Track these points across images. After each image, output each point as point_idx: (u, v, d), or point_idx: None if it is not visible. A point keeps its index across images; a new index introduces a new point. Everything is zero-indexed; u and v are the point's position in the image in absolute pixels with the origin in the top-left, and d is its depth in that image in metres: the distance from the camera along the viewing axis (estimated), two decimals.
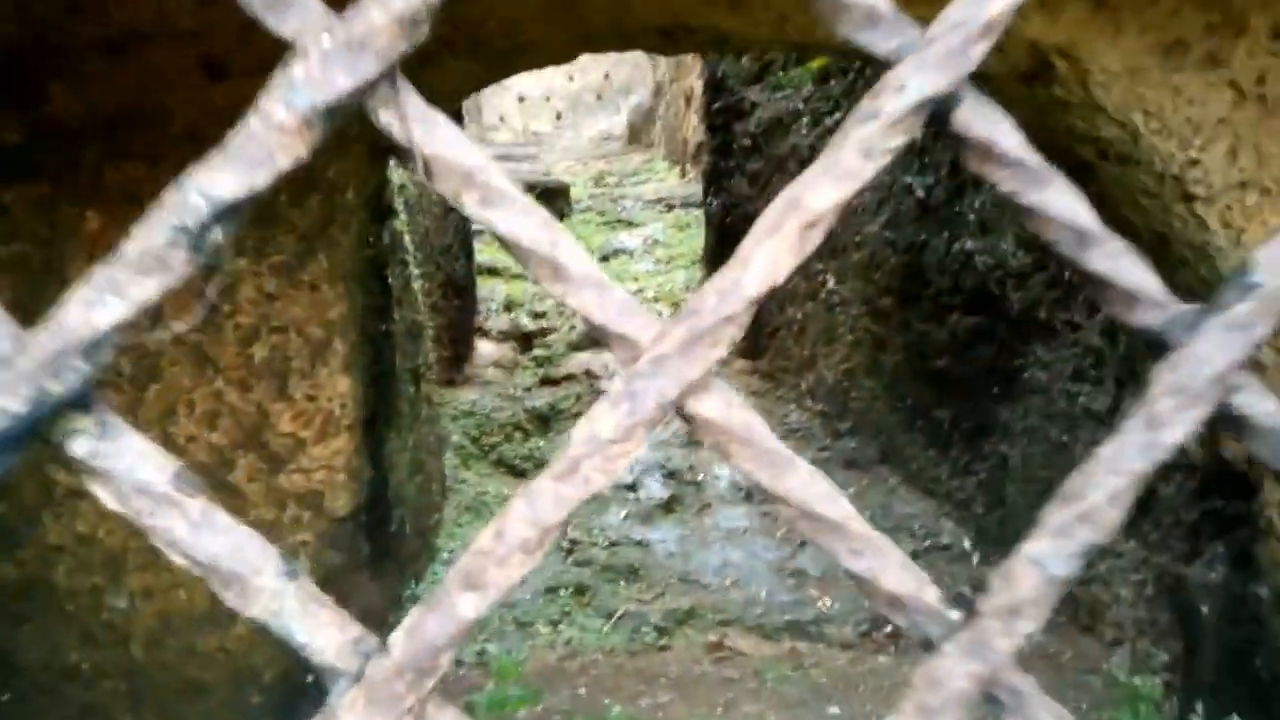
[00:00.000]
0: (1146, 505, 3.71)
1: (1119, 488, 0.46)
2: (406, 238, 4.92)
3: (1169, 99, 2.06)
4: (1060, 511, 0.46)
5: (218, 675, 2.17)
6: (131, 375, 1.99)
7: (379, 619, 3.95)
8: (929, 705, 0.46)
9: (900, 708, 0.46)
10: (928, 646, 0.48)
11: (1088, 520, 0.46)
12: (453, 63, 2.03)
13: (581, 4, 1.90)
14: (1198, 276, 2.27)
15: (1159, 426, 0.47)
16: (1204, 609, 2.56)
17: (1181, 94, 2.05)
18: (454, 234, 6.67)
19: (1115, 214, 2.37)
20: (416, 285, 5.14)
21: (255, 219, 2.00)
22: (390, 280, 4.23)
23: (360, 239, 2.41)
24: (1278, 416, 0.48)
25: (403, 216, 4.84)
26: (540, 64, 2.49)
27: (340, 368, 2.08)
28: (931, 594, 0.48)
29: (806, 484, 0.47)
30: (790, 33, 2.06)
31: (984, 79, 2.39)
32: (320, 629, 0.44)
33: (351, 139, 2.02)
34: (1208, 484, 3.23)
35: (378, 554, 3.94)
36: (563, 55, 2.32)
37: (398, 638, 0.43)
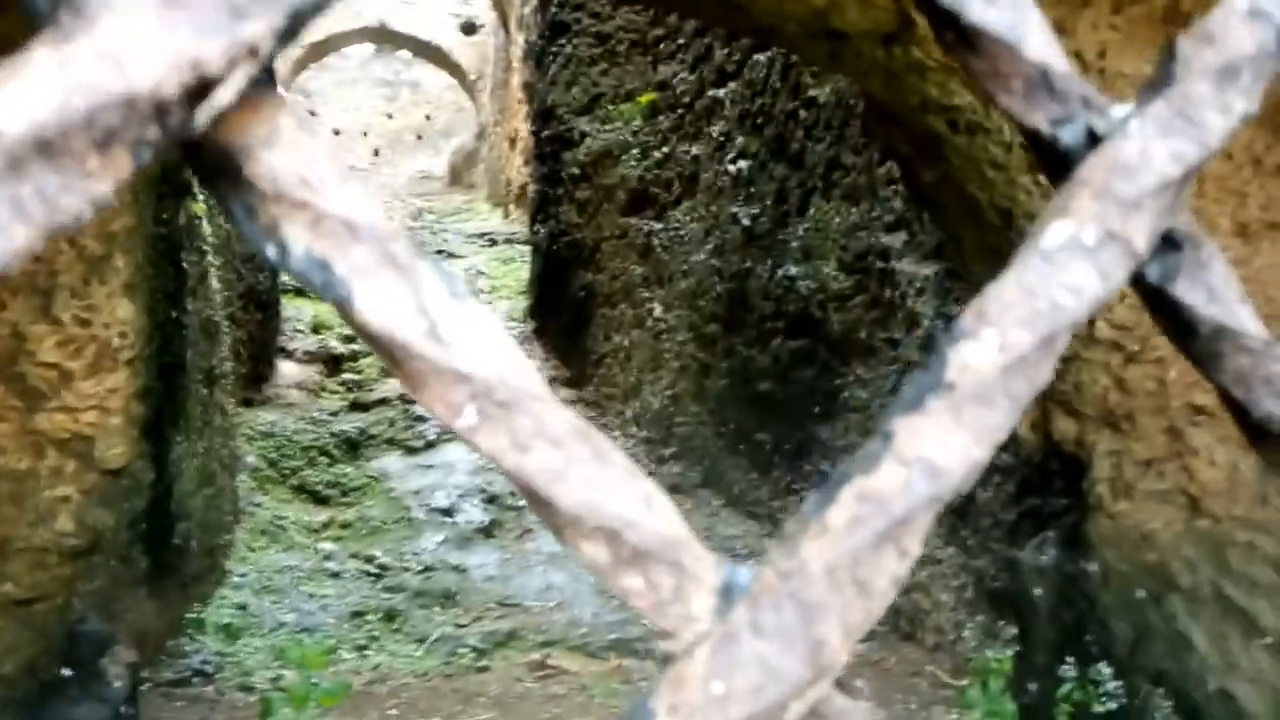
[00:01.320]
0: (964, 510, 3.80)
1: None
2: (207, 228, 4.46)
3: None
4: None
5: None
6: None
7: (156, 643, 3.42)
8: (1122, 197, 0.29)
9: (1065, 208, 0.30)
10: (1063, 159, 0.32)
11: None
12: None
13: None
14: None
15: None
16: (1037, 591, 2.59)
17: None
18: None
19: (961, 192, 2.39)
20: (215, 286, 4.66)
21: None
22: (185, 266, 3.79)
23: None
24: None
25: (203, 206, 4.38)
26: None
27: (121, 289, 1.72)
28: (1082, 81, 0.32)
29: None
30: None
31: (842, 38, 2.37)
32: None
33: None
34: (1027, 479, 3.33)
35: (158, 570, 3.44)
36: None
37: None
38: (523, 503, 5.66)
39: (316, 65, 15.87)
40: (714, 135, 6.05)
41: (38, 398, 1.73)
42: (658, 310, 6.51)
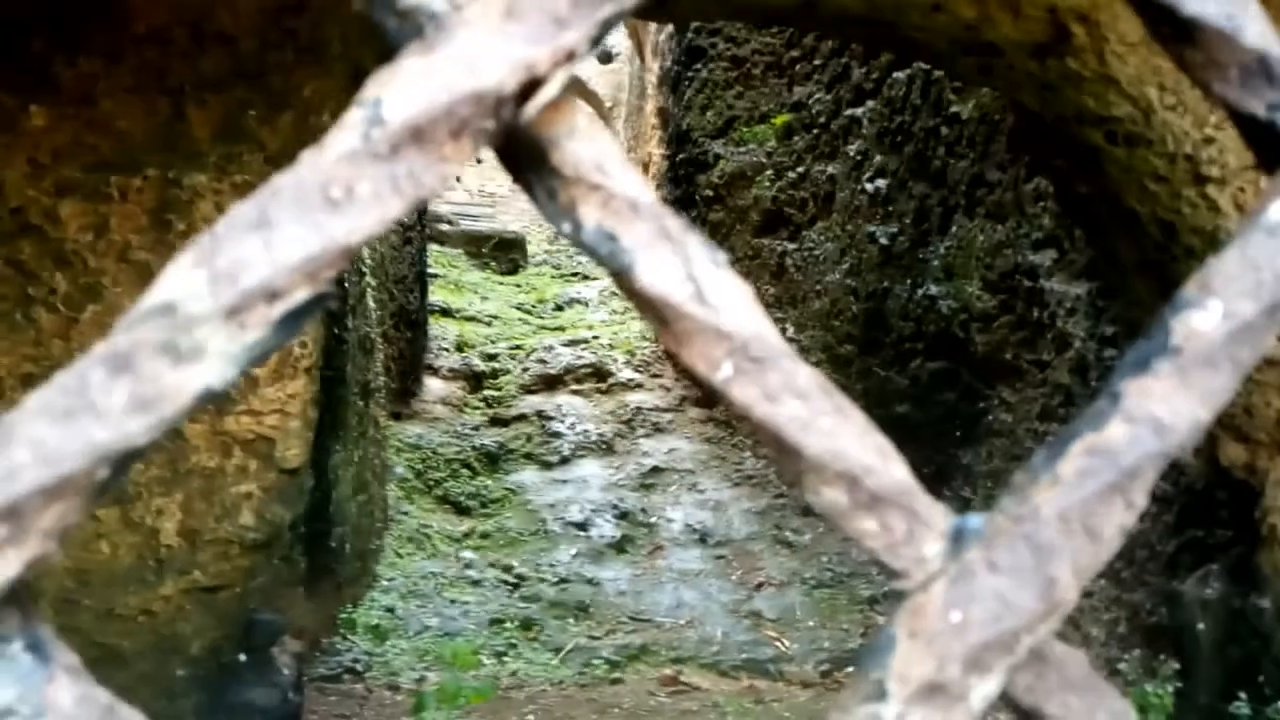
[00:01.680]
0: None
1: None
2: (365, 251, 4.73)
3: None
4: None
5: (138, 643, 1.89)
6: (66, 294, 1.76)
7: (312, 640, 3.63)
8: None
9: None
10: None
11: None
12: None
13: None
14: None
15: None
16: (1200, 626, 2.44)
17: None
18: (409, 265, 6.49)
19: (1119, 205, 2.32)
20: (370, 305, 4.93)
21: (220, 133, 1.82)
22: (346, 285, 4.03)
23: None
24: None
25: None
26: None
27: None
28: None
29: None
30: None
31: (993, 52, 2.34)
32: None
33: (333, 56, 1.86)
34: (1188, 509, 3.15)
35: (315, 570, 3.65)
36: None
37: None
38: (653, 519, 5.72)
39: None
40: (851, 154, 6.00)
41: (227, 401, 1.90)
42: (790, 331, 6.48)
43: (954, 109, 4.91)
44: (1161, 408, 0.29)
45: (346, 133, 0.24)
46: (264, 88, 1.80)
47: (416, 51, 0.25)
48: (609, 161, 0.28)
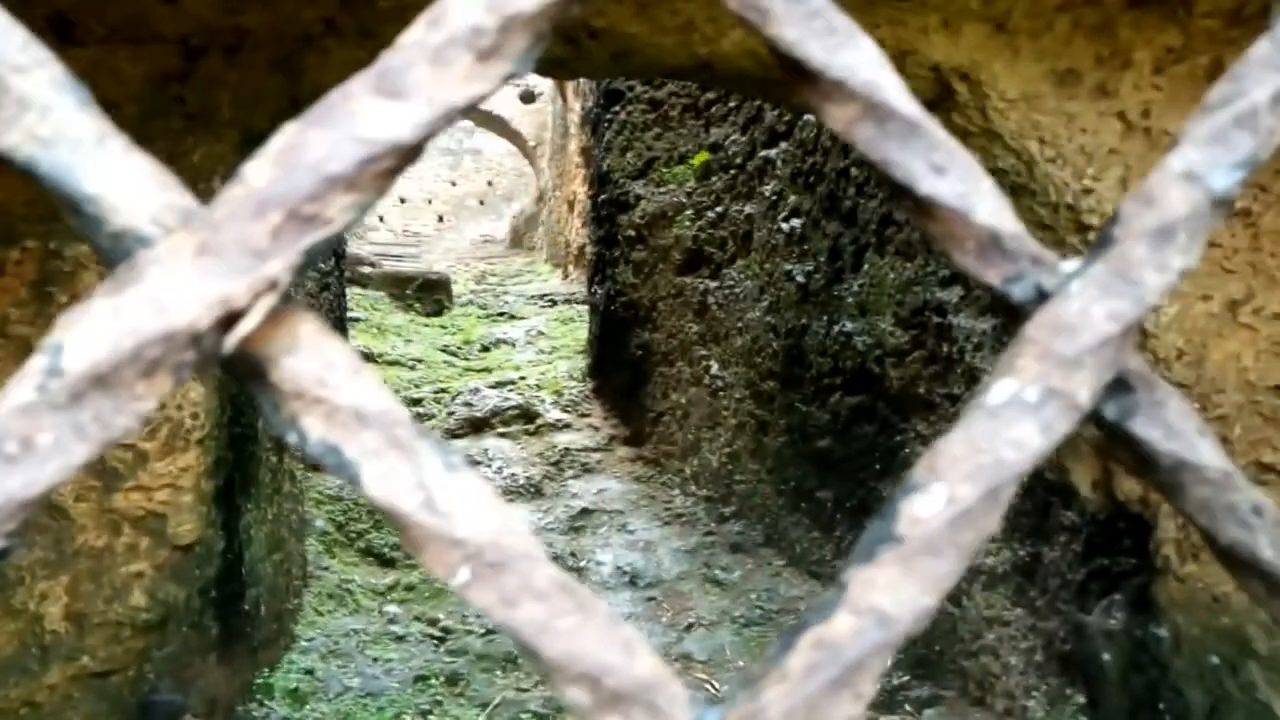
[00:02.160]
0: (1031, 570, 3.70)
1: None
2: None
3: (1063, 127, 2.10)
4: (1210, 119, 0.35)
5: None
6: None
7: (226, 709, 3.50)
8: (1063, 355, 0.32)
9: (1011, 365, 0.33)
10: (1017, 311, 0.35)
11: (1247, 125, 0.34)
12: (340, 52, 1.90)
13: None
14: None
15: None
16: (1106, 656, 2.51)
17: (1075, 122, 2.10)
18: (328, 312, 6.38)
19: None
20: None
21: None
22: None
23: None
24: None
25: None
26: None
27: None
28: (1032, 239, 0.35)
29: (871, 58, 0.34)
30: (697, 46, 2.03)
31: None
32: (123, 177, 0.27)
33: (223, 121, 1.83)
34: (1094, 538, 3.25)
35: (228, 636, 3.53)
36: None
37: (259, 164, 0.26)
38: (583, 563, 5.66)
39: None
40: (766, 194, 6.12)
41: (115, 477, 1.83)
42: (715, 368, 6.54)
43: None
44: (885, 598, 0.29)
45: (24, 384, 0.24)
46: (150, 155, 1.76)
47: (106, 291, 0.25)
48: (333, 373, 0.28)
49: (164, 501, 1.83)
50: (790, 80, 0.35)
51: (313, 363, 0.28)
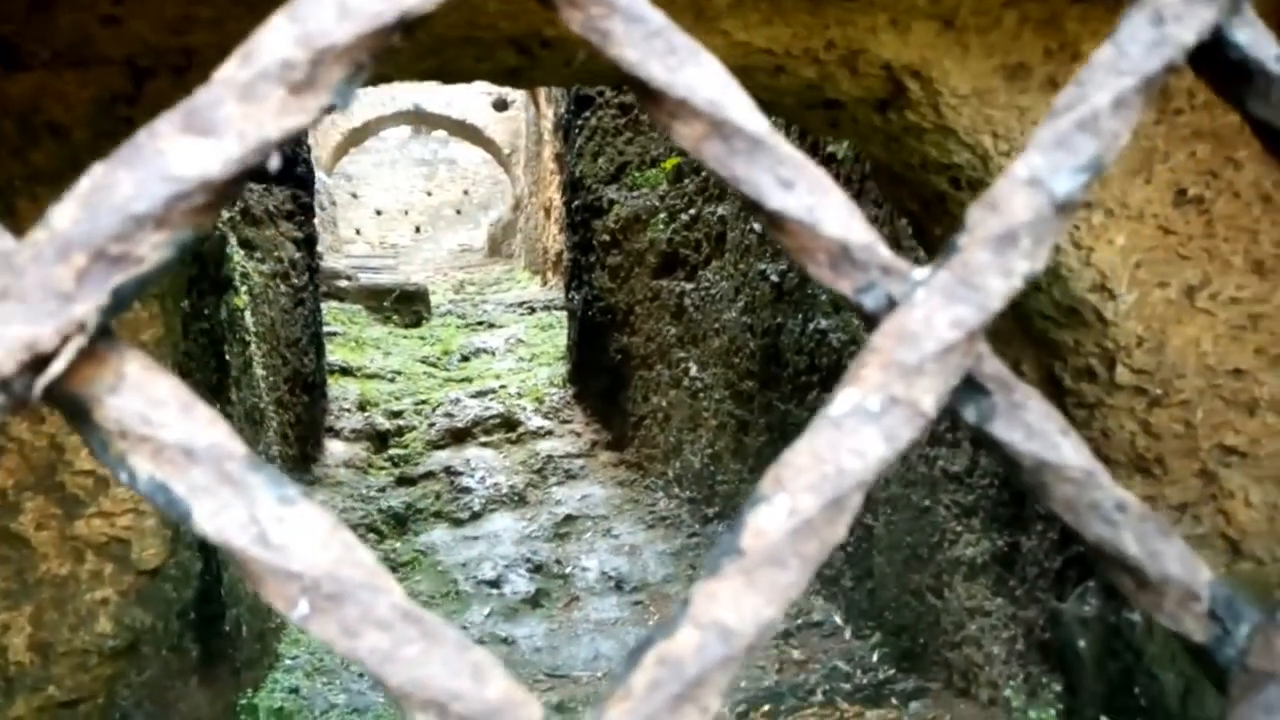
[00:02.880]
0: (1011, 560, 3.73)
1: (1125, 90, 0.35)
2: (249, 318, 4.62)
3: (1016, 120, 2.12)
4: (1054, 124, 0.35)
5: None
6: None
7: None
8: (905, 363, 0.32)
9: (855, 375, 0.33)
10: (871, 319, 0.35)
11: (1089, 129, 0.35)
12: None
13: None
14: (1050, 300, 2.31)
15: (1163, 23, 0.36)
16: (1081, 643, 2.53)
17: (1027, 115, 2.11)
18: (303, 328, 6.35)
19: None
20: (260, 373, 4.81)
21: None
22: (228, 358, 3.92)
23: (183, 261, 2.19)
24: None
25: (245, 299, 4.55)
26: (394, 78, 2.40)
27: None
28: (884, 247, 0.36)
29: (714, 76, 0.34)
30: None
31: (838, 106, 2.41)
32: None
33: None
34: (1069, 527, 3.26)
35: (209, 657, 3.50)
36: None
37: (64, 207, 0.26)
38: (568, 569, 5.66)
39: (356, 149, 16.41)
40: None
41: (76, 504, 1.81)
42: (693, 370, 6.54)
43: (830, 149, 5.06)
44: (728, 612, 0.30)
45: None
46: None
47: None
48: (160, 410, 0.28)
49: (127, 526, 1.82)
50: (639, 100, 0.35)
51: (137, 401, 0.28)
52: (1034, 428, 0.36)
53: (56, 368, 0.26)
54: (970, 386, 0.35)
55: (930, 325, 0.33)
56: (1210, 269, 2.19)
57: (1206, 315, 2.22)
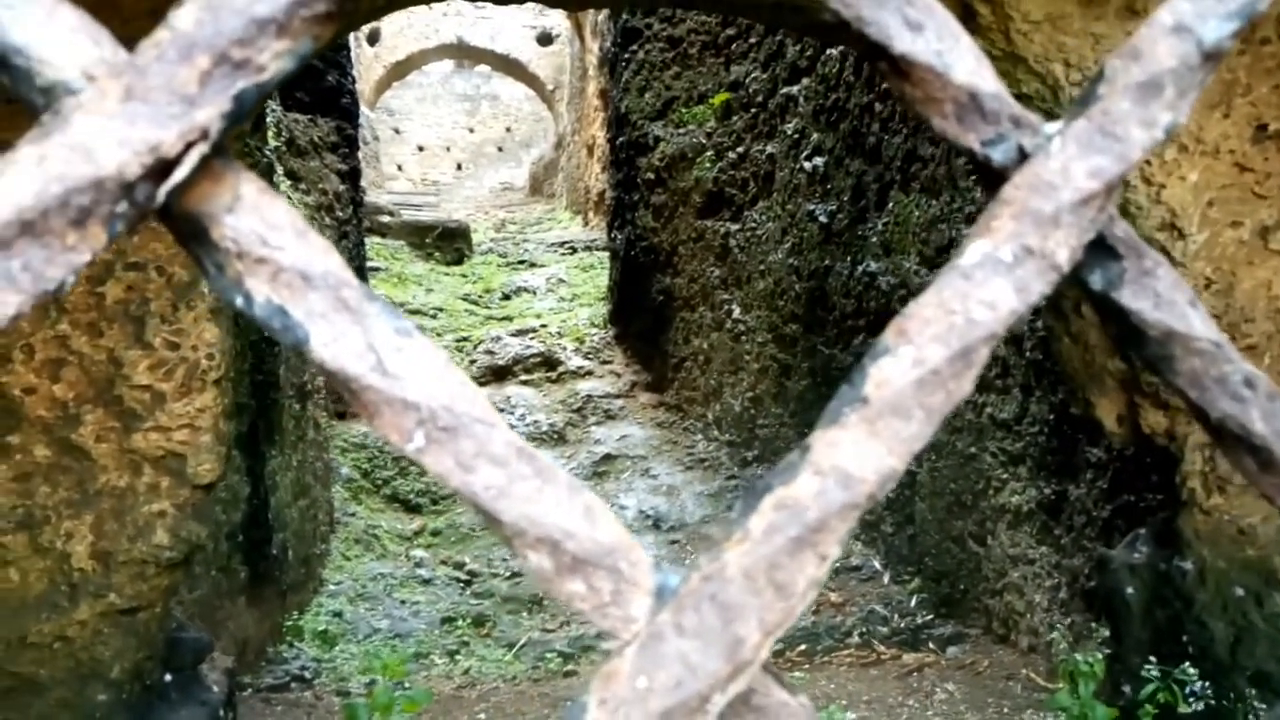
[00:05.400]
0: (1057, 508, 3.69)
1: None
2: None
3: (1090, 49, 2.04)
4: None
5: (55, 670, 1.84)
6: None
7: (256, 649, 3.59)
8: (1041, 213, 0.31)
9: (986, 226, 0.31)
10: (998, 176, 0.33)
11: None
12: None
13: None
14: None
15: None
16: (1129, 590, 2.50)
17: (1101, 44, 2.03)
18: (347, 261, 6.38)
19: None
20: None
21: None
22: None
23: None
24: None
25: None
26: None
27: (207, 313, 1.83)
28: (1014, 101, 0.34)
29: None
30: None
31: None
32: (53, 29, 0.26)
33: None
34: (1120, 474, 3.22)
35: (256, 579, 3.60)
36: None
37: (186, 9, 0.25)
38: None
39: (399, 84, 16.34)
40: (788, 133, 6.02)
41: (134, 418, 1.85)
42: (736, 312, 6.50)
43: (886, 85, 4.94)
44: (849, 459, 0.29)
45: None
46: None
47: (31, 140, 0.24)
48: (277, 233, 0.28)
49: (183, 442, 1.85)
50: None
51: (255, 222, 0.27)
52: (1163, 296, 0.34)
53: (180, 174, 0.25)
54: (1099, 249, 0.34)
55: (1067, 175, 0.31)
56: None
57: None
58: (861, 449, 0.29)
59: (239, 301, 0.28)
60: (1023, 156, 0.33)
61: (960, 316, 0.30)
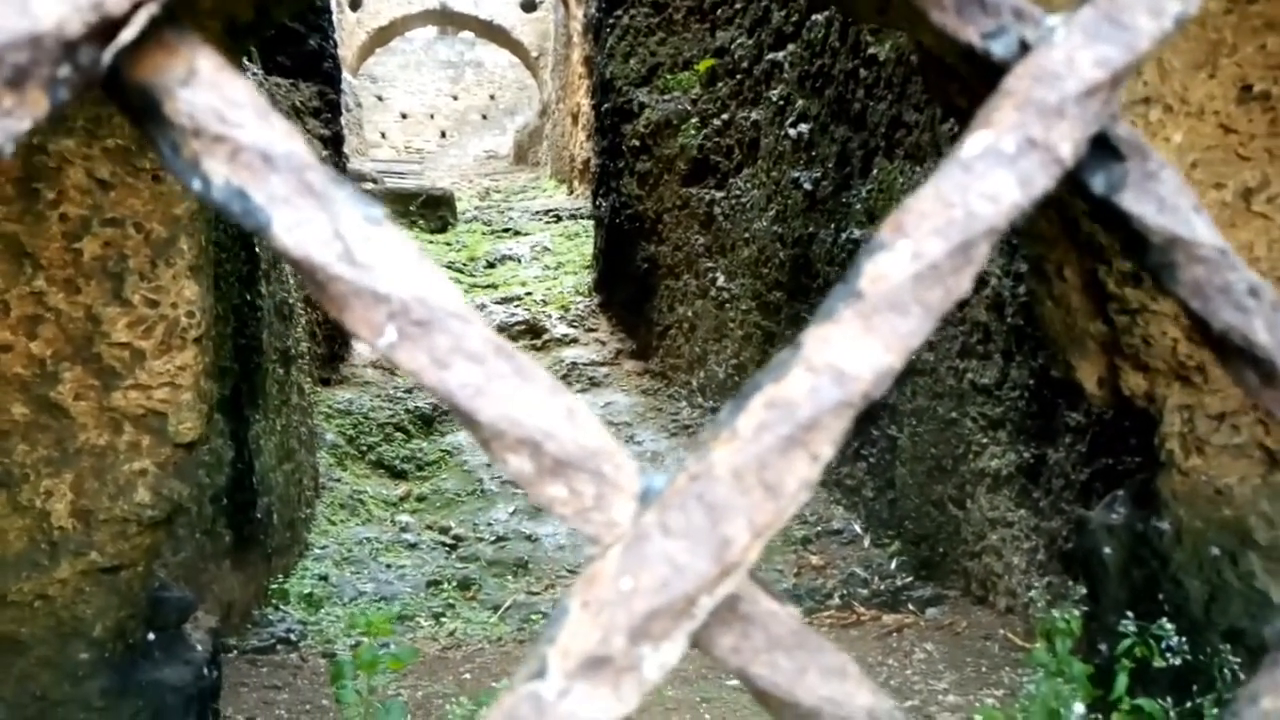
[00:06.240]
0: (1035, 471, 3.72)
1: None
2: None
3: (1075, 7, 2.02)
4: None
5: (36, 628, 1.83)
6: None
7: (242, 612, 3.58)
8: (1045, 104, 0.29)
9: (987, 118, 0.30)
10: (998, 71, 0.32)
11: None
12: None
13: None
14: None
15: None
16: (1107, 550, 2.53)
17: None
18: None
19: None
20: (289, 269, 4.81)
21: (86, 94, 1.70)
22: (258, 250, 3.91)
23: None
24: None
25: None
26: None
27: (186, 271, 1.80)
28: None
29: None
30: None
31: None
32: None
33: (205, 11, 1.76)
34: (1099, 437, 3.25)
35: (241, 543, 3.59)
36: None
37: None
38: None
39: (382, 50, 16.11)
40: (773, 99, 5.98)
41: (113, 376, 1.82)
42: (721, 279, 6.49)
43: (871, 51, 4.90)
44: (843, 355, 0.27)
45: None
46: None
47: None
48: (236, 110, 0.26)
49: (163, 400, 1.83)
50: None
51: (212, 97, 0.26)
52: (1167, 201, 0.33)
53: (127, 34, 0.23)
54: (1102, 149, 0.32)
55: (1072, 64, 0.30)
56: (1271, 170, 2.11)
57: (1263, 219, 2.14)
58: (856, 345, 0.27)
59: (196, 185, 0.26)
60: (1024, 50, 0.31)
61: (960, 209, 0.29)
